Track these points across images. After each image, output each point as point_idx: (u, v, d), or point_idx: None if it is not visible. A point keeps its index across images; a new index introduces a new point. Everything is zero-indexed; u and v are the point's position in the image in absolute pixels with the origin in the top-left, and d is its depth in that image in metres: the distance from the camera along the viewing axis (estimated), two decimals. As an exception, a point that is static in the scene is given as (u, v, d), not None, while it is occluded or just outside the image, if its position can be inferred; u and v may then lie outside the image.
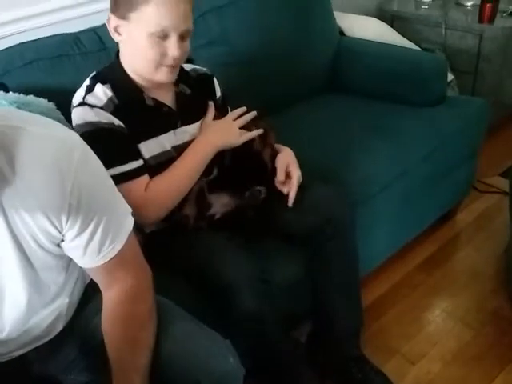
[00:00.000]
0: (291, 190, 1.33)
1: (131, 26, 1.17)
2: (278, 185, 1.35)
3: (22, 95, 1.31)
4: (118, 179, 1.14)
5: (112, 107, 1.19)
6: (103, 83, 1.22)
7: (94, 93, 1.21)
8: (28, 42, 1.47)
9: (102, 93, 1.20)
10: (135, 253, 1.00)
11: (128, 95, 1.23)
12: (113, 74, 1.25)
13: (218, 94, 1.43)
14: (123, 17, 1.17)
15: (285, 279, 1.36)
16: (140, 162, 1.22)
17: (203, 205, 1.31)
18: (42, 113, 1.27)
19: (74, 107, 1.22)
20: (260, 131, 1.37)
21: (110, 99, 1.20)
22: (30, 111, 1.25)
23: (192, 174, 1.27)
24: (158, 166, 1.25)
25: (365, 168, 1.59)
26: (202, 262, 1.22)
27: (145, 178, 1.22)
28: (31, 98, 1.31)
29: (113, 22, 1.20)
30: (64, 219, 0.86)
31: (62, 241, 0.91)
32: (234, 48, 1.79)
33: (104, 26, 1.55)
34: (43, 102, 1.32)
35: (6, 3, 1.50)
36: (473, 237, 2.08)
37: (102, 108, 1.18)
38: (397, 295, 1.80)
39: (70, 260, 0.97)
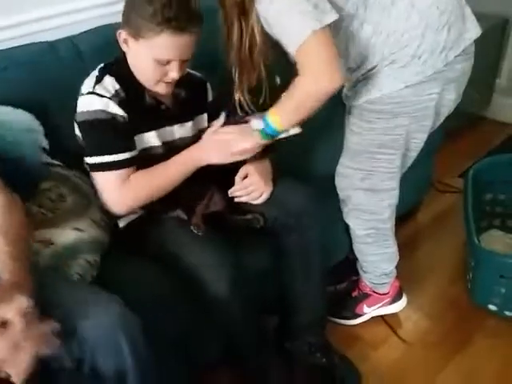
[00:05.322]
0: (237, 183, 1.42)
1: (140, 47, 1.25)
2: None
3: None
4: (112, 166, 1.26)
5: (118, 99, 1.28)
6: (111, 75, 1.30)
7: (103, 83, 1.28)
8: (2, 50, 1.49)
9: (111, 85, 1.28)
10: None
11: (131, 90, 1.31)
12: (119, 69, 1.32)
13: (210, 98, 1.53)
14: (134, 37, 1.25)
15: (254, 267, 1.42)
16: (134, 154, 1.32)
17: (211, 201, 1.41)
18: (19, 121, 1.34)
19: (82, 95, 1.29)
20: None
21: (116, 91, 1.28)
22: (8, 121, 1.32)
23: (170, 181, 1.36)
24: (145, 159, 1.35)
25: (331, 163, 1.67)
26: (176, 247, 1.30)
27: (133, 169, 1.32)
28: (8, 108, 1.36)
29: (123, 36, 1.27)
30: None
31: None
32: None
33: (80, 34, 1.61)
34: (20, 112, 1.36)
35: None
36: (433, 233, 2.21)
37: (110, 98, 1.27)
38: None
39: None
